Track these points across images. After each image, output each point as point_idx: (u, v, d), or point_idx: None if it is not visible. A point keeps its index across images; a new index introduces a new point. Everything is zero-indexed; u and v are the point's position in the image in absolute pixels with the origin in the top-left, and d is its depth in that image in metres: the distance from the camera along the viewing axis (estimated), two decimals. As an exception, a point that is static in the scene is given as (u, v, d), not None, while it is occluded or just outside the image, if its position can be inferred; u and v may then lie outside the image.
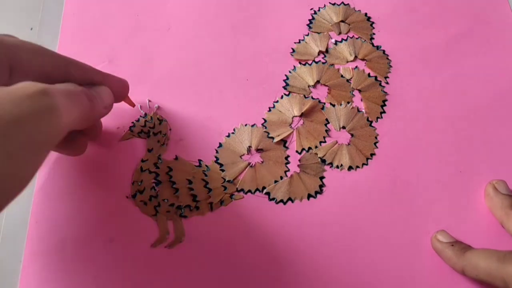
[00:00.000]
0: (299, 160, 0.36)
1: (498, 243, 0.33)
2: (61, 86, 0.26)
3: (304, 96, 0.38)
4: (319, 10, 0.43)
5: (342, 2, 0.43)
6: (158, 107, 0.38)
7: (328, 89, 0.39)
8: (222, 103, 0.38)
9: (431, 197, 0.35)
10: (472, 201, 0.35)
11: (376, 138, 0.37)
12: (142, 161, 0.36)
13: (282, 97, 0.38)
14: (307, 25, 0.42)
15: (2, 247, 0.33)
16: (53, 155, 0.36)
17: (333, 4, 0.43)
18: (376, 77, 0.39)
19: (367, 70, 0.40)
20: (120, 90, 0.33)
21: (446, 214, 0.34)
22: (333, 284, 0.32)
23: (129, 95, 0.35)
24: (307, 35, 0.41)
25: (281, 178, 0.35)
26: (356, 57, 0.40)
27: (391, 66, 0.40)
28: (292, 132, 0.37)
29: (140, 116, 0.37)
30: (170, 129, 0.37)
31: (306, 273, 0.32)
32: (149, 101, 0.38)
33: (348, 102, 0.38)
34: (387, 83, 0.39)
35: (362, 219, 0.34)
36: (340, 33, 0.41)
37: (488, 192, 0.34)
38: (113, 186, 0.35)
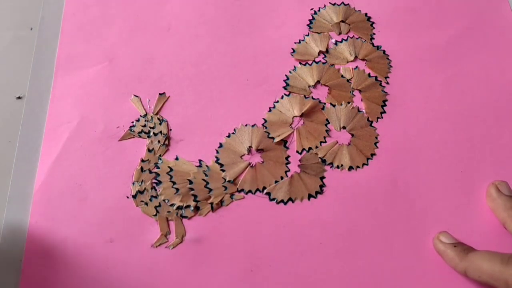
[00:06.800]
0: (300, 160, 0.36)
1: (500, 244, 0.32)
2: None
3: (305, 96, 0.38)
4: (319, 10, 0.43)
5: (342, 2, 0.43)
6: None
7: (328, 89, 0.39)
8: (222, 103, 0.38)
9: (432, 198, 0.35)
10: (473, 201, 0.34)
11: (376, 138, 0.37)
12: (143, 161, 0.36)
13: (282, 97, 0.38)
14: (307, 25, 0.42)
15: (2, 247, 0.33)
16: (52, 155, 0.36)
17: (333, 4, 0.43)
18: (376, 77, 0.39)
19: (367, 70, 0.40)
20: None
21: (446, 215, 0.34)
22: (333, 284, 0.32)
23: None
24: (307, 35, 0.41)
25: (282, 178, 0.35)
26: (356, 57, 0.40)
27: (391, 66, 0.40)
28: (293, 132, 0.37)
29: (140, 116, 0.37)
30: (170, 129, 0.37)
31: (306, 273, 0.32)
32: (149, 101, 0.38)
33: (349, 102, 0.38)
34: (387, 83, 0.39)
35: (362, 219, 0.34)
36: (340, 33, 0.41)
37: (491, 193, 0.34)
38: (113, 186, 0.35)
